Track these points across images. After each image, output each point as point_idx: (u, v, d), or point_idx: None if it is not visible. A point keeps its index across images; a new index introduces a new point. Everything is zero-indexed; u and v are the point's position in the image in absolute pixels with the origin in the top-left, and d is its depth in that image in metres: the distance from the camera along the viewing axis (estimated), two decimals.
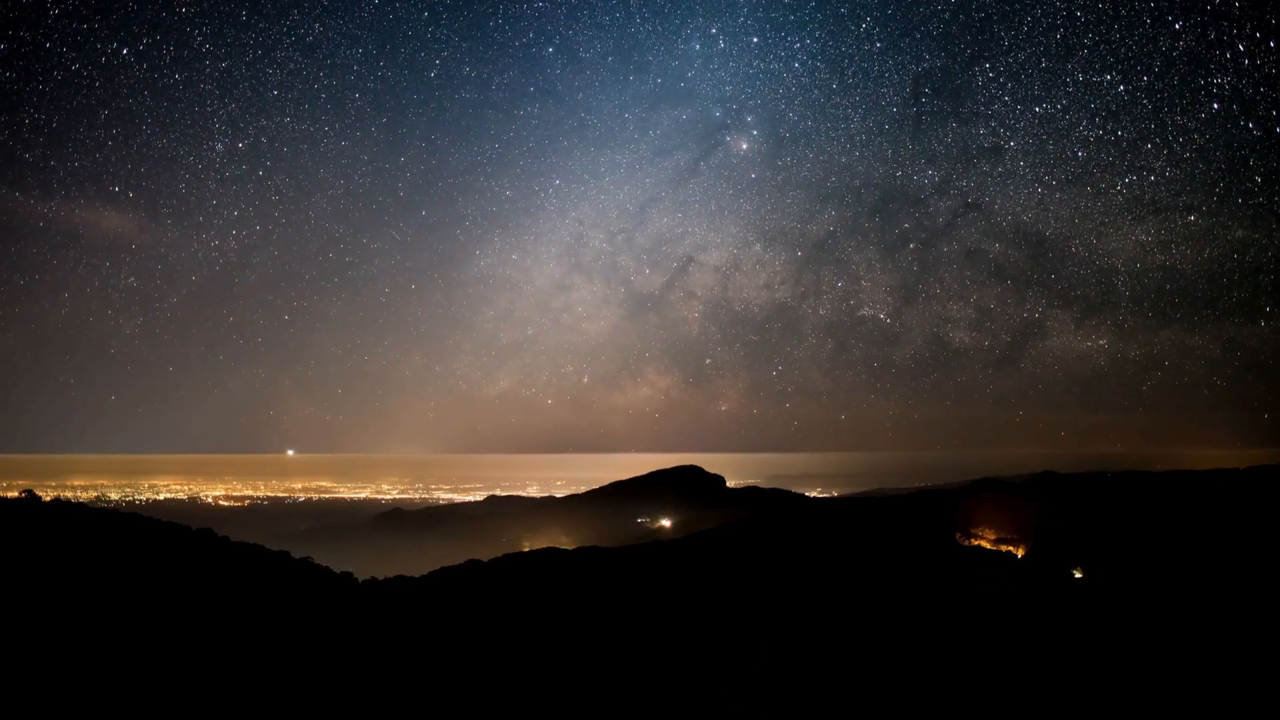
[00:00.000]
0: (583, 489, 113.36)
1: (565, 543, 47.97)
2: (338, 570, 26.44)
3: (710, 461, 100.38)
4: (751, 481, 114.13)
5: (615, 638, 21.89)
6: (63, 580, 17.87)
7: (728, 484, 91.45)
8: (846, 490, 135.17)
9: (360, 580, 26.15)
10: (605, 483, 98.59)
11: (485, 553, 38.59)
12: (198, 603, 18.53)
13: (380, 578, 27.48)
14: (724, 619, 25.15)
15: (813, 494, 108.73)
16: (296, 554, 26.86)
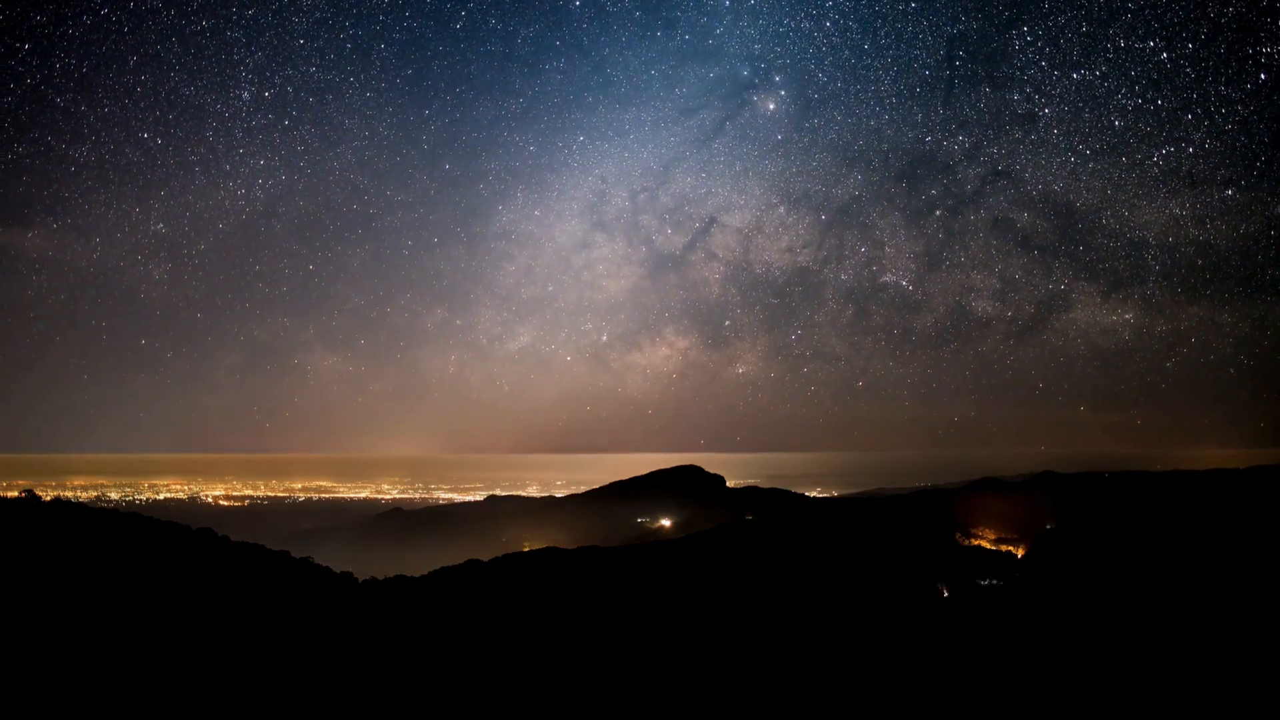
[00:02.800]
0: (583, 489, 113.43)
1: (565, 543, 48.01)
2: (338, 570, 26.45)
3: (710, 461, 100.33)
4: (751, 481, 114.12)
5: (615, 637, 21.89)
6: (63, 580, 17.87)
7: (728, 484, 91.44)
8: (846, 490, 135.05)
9: (360, 580, 26.15)
10: (605, 483, 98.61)
11: (485, 553, 38.61)
12: (198, 602, 18.53)
13: (380, 578, 27.49)
14: (723, 619, 25.15)
15: (813, 494, 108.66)
16: (296, 554, 26.87)
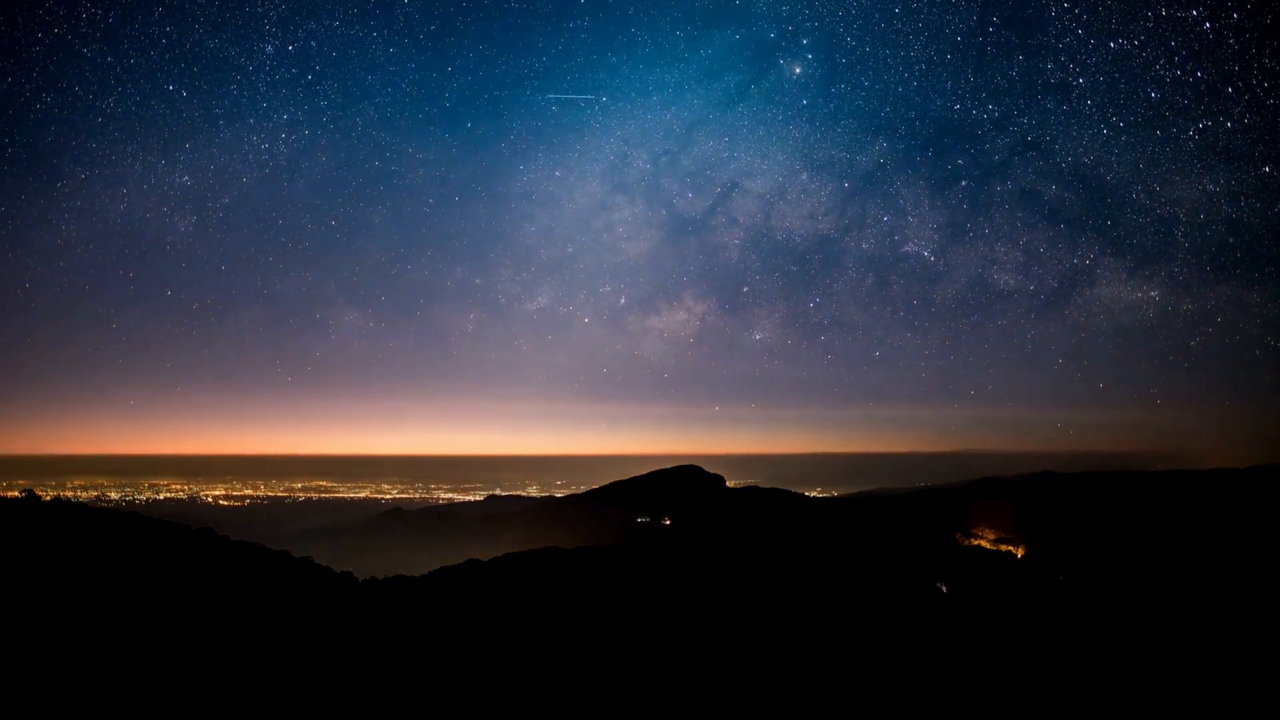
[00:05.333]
0: (583, 489, 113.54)
1: (565, 543, 48.00)
2: (338, 570, 26.44)
3: (710, 461, 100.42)
4: (751, 481, 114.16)
5: (614, 638, 21.89)
6: (63, 580, 17.87)
7: (728, 484, 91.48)
8: (846, 490, 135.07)
9: (360, 580, 26.15)
10: (605, 483, 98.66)
11: (485, 553, 38.58)
12: (198, 602, 18.53)
13: (380, 578, 27.48)
14: (721, 620, 25.14)
15: (813, 494, 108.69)
16: (296, 554, 26.86)
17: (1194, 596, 29.33)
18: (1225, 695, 18.86)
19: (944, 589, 35.31)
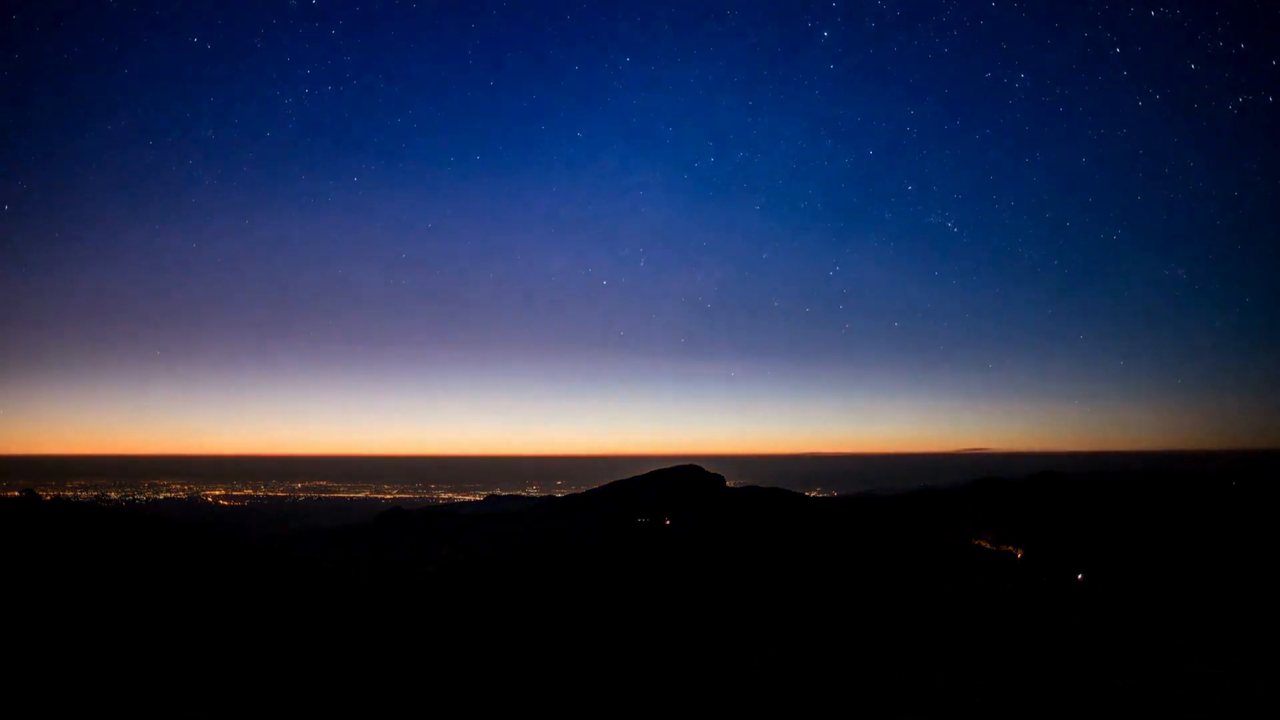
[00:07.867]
0: (583, 489, 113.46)
1: (566, 543, 47.93)
2: (338, 571, 26.47)
3: (710, 461, 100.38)
4: (751, 481, 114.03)
5: (615, 637, 21.88)
6: (64, 579, 17.87)
7: (728, 484, 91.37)
8: (847, 490, 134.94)
9: (360, 580, 26.16)
10: (605, 482, 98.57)
11: (485, 553, 38.62)
12: (198, 601, 18.53)
13: (380, 578, 27.50)
14: (723, 620, 25.13)
15: (812, 494, 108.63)
16: (297, 554, 26.89)
17: (1190, 596, 29.30)
18: (1220, 692, 18.84)
19: (945, 589, 35.27)
